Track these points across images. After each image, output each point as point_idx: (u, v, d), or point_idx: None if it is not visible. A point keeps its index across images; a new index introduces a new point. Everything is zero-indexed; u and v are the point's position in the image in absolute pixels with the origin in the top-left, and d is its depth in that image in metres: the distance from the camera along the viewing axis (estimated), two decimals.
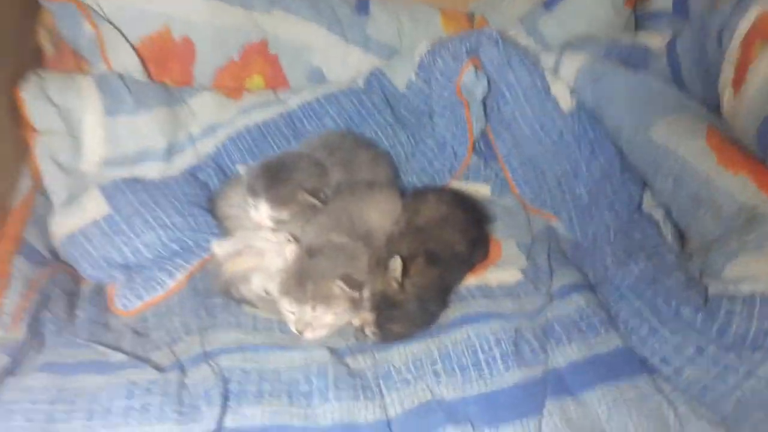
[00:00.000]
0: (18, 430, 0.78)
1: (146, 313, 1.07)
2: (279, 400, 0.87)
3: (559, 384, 0.95)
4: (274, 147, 1.41)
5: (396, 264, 1.01)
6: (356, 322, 1.02)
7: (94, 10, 1.34)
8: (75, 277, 1.12)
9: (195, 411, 0.83)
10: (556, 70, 1.41)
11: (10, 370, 0.86)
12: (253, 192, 1.12)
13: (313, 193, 1.13)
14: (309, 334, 0.99)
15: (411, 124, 1.48)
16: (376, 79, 1.52)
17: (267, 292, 1.04)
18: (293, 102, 1.48)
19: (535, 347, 0.98)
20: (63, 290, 1.04)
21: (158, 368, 0.90)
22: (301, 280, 1.00)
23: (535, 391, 0.93)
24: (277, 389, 0.89)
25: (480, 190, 1.42)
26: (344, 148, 1.28)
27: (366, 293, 1.02)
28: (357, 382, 0.91)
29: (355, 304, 1.01)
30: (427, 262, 1.05)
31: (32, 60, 1.34)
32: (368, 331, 1.01)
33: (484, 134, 1.46)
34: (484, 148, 1.48)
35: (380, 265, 1.04)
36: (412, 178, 1.44)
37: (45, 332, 0.96)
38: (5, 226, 1.07)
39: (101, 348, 0.93)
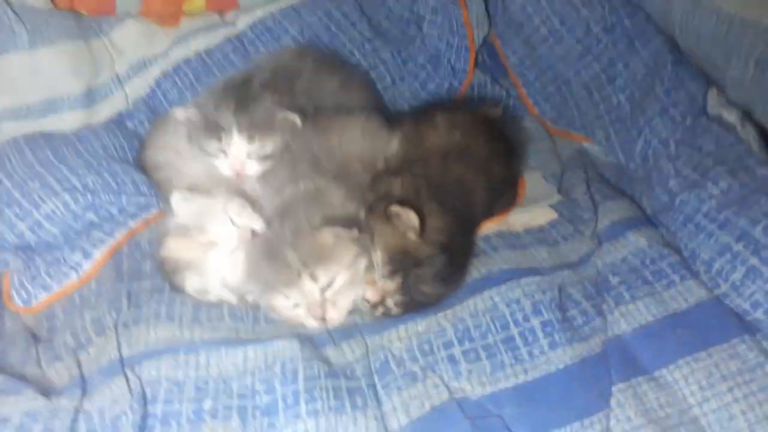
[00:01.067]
0: None
1: (55, 308, 0.79)
2: (226, 424, 0.59)
3: (627, 360, 0.69)
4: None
5: (408, 213, 0.72)
6: (372, 296, 0.74)
7: None
8: None
9: None
10: None
11: None
12: (214, 129, 0.82)
13: (291, 108, 0.84)
14: (333, 314, 0.72)
15: (395, 38, 1.19)
16: None
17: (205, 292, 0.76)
18: (242, 22, 1.18)
19: (587, 311, 0.71)
20: None
21: (46, 391, 0.62)
22: (275, 256, 0.73)
23: (595, 373, 0.66)
24: (225, 406, 0.62)
25: (488, 113, 1.12)
26: (305, 73, 0.97)
27: (378, 256, 0.74)
28: (340, 385, 0.64)
29: (362, 246, 0.74)
30: (438, 202, 0.76)
31: None
32: (391, 302, 0.74)
33: (487, 42, 1.18)
34: (489, 60, 1.20)
35: (375, 213, 0.76)
36: (402, 106, 1.15)
37: None
38: None
39: None
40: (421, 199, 0.77)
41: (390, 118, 0.95)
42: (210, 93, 0.87)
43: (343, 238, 0.73)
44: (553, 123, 1.10)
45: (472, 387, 0.64)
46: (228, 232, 0.76)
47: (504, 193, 0.88)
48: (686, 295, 0.72)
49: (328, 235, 0.72)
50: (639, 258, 0.77)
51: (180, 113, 0.87)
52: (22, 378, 0.64)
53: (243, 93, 0.84)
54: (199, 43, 1.14)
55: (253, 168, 0.84)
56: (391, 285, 0.74)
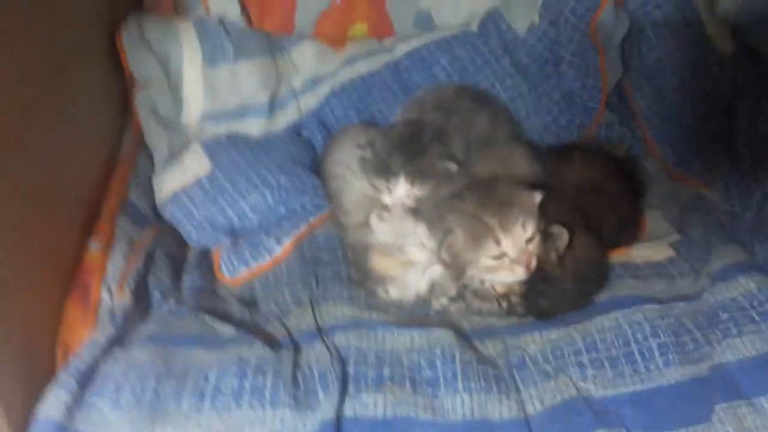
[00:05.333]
0: (126, 407, 0.72)
1: (253, 282, 1.00)
2: (402, 388, 0.77)
3: (730, 385, 0.79)
4: (379, 101, 1.29)
5: (563, 234, 0.86)
6: (500, 288, 0.89)
7: None
8: (180, 241, 1.06)
9: (311, 396, 0.75)
10: (711, 7, 1.20)
11: (118, 341, 0.80)
12: (385, 172, 0.98)
13: (450, 158, 0.99)
14: (533, 264, 0.85)
15: (533, 74, 1.30)
16: (492, 22, 1.34)
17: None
18: (400, 50, 1.34)
19: (698, 339, 0.83)
20: (167, 254, 0.98)
21: (270, 344, 0.82)
22: (499, 199, 0.85)
23: (701, 392, 0.78)
24: (399, 374, 0.79)
25: (614, 150, 1.24)
26: (461, 109, 1.13)
27: None
28: (488, 371, 0.80)
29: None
30: (587, 233, 0.90)
31: (132, 6, 1.26)
32: (515, 300, 0.89)
33: (618, 86, 1.28)
34: (618, 102, 1.30)
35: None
36: (533, 137, 1.28)
37: (150, 299, 0.90)
38: (108, 184, 1.01)
39: (209, 319, 0.86)
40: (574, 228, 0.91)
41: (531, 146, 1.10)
42: (385, 138, 1.02)
43: (536, 205, 0.87)
44: (675, 167, 1.20)
45: (596, 388, 0.78)
46: (422, 252, 0.92)
47: (628, 228, 1.01)
48: None
49: (535, 198, 0.87)
50: (748, 299, 0.86)
51: (359, 152, 1.04)
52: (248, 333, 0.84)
53: (413, 147, 0.99)
54: (361, 67, 1.31)
55: (409, 203, 0.99)
56: (517, 286, 0.88)
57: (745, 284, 0.89)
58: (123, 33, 1.12)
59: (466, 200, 0.88)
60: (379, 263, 0.93)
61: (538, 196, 0.87)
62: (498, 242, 0.85)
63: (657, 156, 1.23)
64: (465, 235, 0.86)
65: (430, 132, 1.01)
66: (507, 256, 0.86)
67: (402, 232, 0.94)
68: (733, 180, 1.10)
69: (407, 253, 0.92)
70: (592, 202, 0.96)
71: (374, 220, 0.94)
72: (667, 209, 1.09)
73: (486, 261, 0.87)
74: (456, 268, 0.88)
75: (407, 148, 0.98)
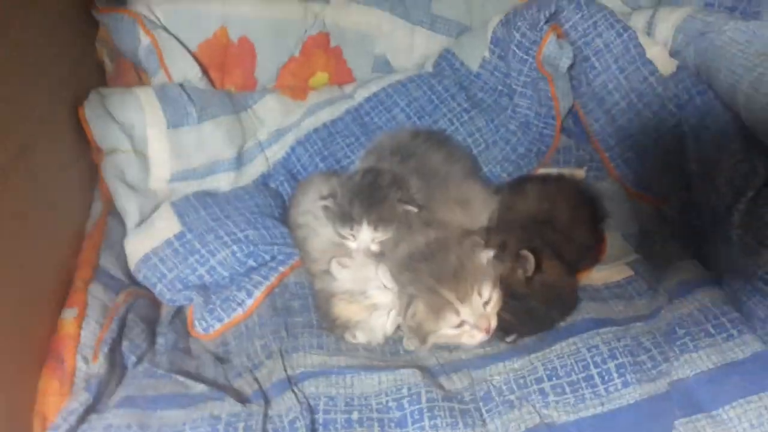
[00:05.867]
0: None
1: (227, 335, 1.02)
2: (370, 431, 0.79)
3: (688, 399, 0.82)
4: (344, 146, 1.34)
5: (530, 258, 0.90)
6: None
7: (149, 19, 1.30)
8: (154, 302, 1.09)
9: None
10: (650, 31, 1.25)
11: (93, 407, 0.83)
12: (349, 220, 1.02)
13: (409, 201, 1.04)
14: (492, 325, 0.89)
15: (489, 108, 1.36)
16: (446, 61, 1.41)
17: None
18: (359, 96, 1.40)
19: (655, 357, 0.86)
20: (141, 316, 1.00)
21: (241, 399, 0.84)
22: (453, 275, 0.88)
23: (661, 409, 0.81)
24: (368, 417, 0.81)
25: (574, 175, 1.28)
26: (417, 153, 1.17)
27: None
28: (454, 406, 0.82)
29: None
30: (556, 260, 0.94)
31: (95, 79, 1.32)
32: None
33: (572, 111, 1.33)
34: (574, 127, 1.35)
35: (505, 251, 0.94)
36: (494, 168, 1.33)
37: (125, 363, 0.92)
38: (80, 253, 1.04)
39: (181, 378, 0.88)
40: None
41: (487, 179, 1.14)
42: (345, 188, 1.05)
43: (490, 261, 0.91)
44: (633, 186, 1.23)
45: (559, 414, 0.81)
46: (385, 295, 0.95)
47: (587, 254, 1.04)
48: (743, 347, 0.83)
49: (485, 257, 0.90)
50: (703, 314, 0.89)
51: (321, 202, 1.07)
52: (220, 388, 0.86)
53: (372, 194, 1.03)
54: (324, 115, 1.37)
55: (374, 248, 1.03)
56: None
57: (701, 299, 0.92)
58: (85, 106, 1.16)
59: (423, 272, 0.91)
60: (344, 310, 0.96)
61: (489, 254, 0.91)
62: (457, 313, 0.89)
63: (615, 177, 1.27)
64: (426, 309, 0.90)
65: (387, 177, 1.05)
66: (467, 323, 0.89)
67: (364, 276, 0.97)
68: (687, 196, 1.14)
69: (370, 297, 0.95)
70: (547, 233, 0.99)
71: (335, 267, 0.97)
72: (626, 229, 1.13)
73: (447, 331, 0.90)
74: (420, 335, 0.92)
75: (367, 195, 1.03)
